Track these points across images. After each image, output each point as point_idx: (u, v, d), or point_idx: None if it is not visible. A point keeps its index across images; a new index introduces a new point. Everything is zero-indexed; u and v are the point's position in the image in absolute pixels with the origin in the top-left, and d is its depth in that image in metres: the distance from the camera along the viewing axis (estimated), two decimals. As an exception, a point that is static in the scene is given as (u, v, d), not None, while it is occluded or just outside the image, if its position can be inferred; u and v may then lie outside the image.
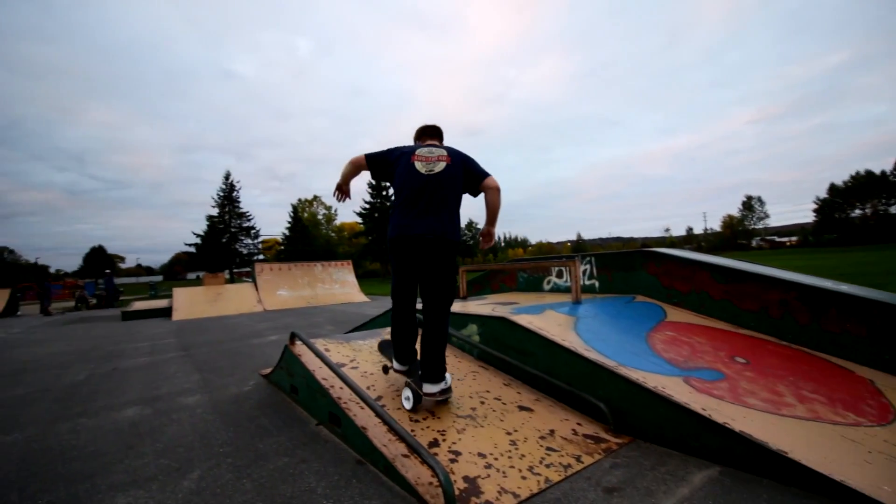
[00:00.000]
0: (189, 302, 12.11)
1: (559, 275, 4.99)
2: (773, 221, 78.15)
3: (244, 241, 43.78)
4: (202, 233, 41.30)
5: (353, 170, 2.82)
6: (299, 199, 53.72)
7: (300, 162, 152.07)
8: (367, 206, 45.25)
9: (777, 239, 79.29)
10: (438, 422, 2.36)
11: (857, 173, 61.42)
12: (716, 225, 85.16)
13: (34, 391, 4.06)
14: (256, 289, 13.56)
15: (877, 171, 59.14)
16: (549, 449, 2.16)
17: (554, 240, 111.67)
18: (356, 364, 3.07)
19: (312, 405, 2.89)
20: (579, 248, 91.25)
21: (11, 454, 2.55)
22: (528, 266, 5.26)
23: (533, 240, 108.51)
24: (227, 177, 43.53)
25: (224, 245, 41.65)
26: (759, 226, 78.23)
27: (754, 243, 74.98)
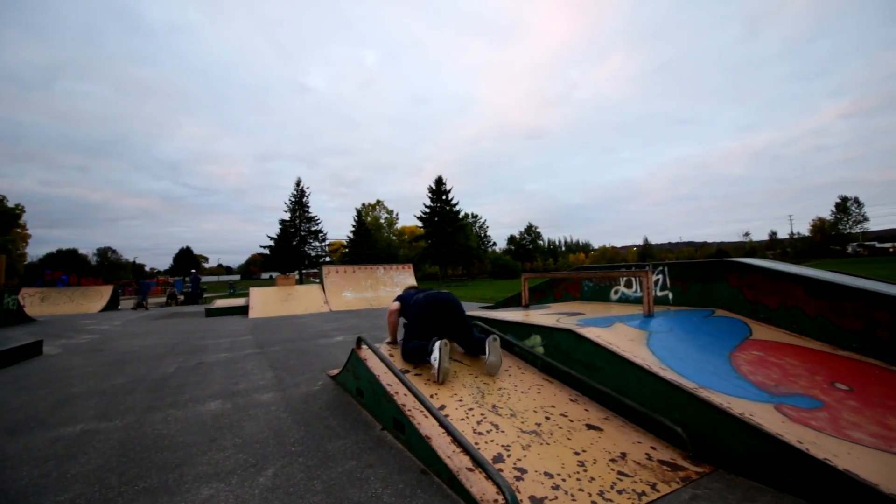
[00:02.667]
0: (263, 301, 12.97)
1: (628, 284, 4.73)
2: (873, 225, 68.99)
3: (312, 244, 46.30)
4: (275, 236, 44.22)
5: (396, 317, 3.81)
6: (363, 204, 55.89)
7: (365, 168, 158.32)
8: (427, 210, 46.05)
9: (878, 245, 69.94)
10: (503, 436, 2.31)
11: None
12: (803, 229, 76.94)
13: (132, 380, 4.53)
14: (323, 290, 14.23)
15: None
16: (620, 473, 2.03)
17: (619, 244, 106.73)
18: (419, 371, 3.10)
19: (377, 409, 2.95)
20: (646, 253, 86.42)
21: (113, 439, 2.84)
22: (595, 275, 5.05)
23: (596, 244, 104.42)
24: (297, 183, 46.35)
25: (294, 248, 44.29)
26: (857, 230, 69.56)
27: (850, 249, 66.64)
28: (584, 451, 2.21)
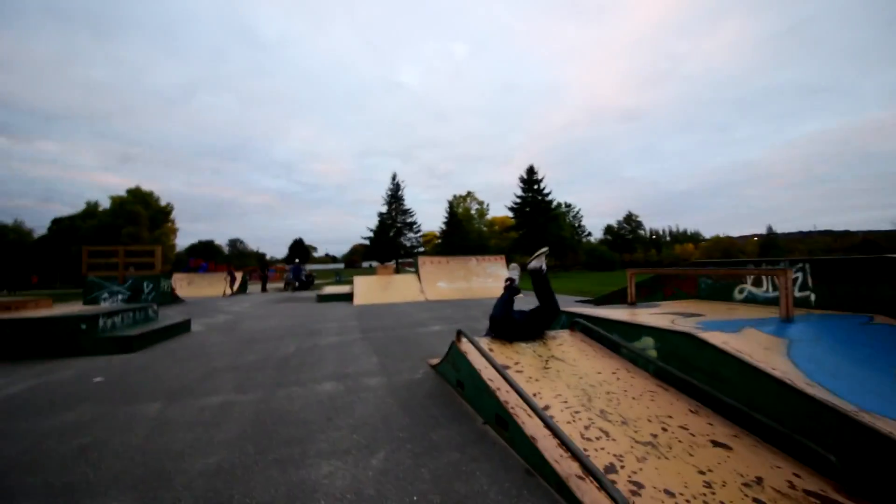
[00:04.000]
0: (366, 289, 13.87)
1: (757, 282, 4.16)
2: None
3: (407, 235, 48.37)
4: (374, 227, 47.02)
5: None
6: (454, 196, 56.77)
7: (456, 160, 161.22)
8: (519, 200, 45.30)
9: None
10: (614, 444, 2.18)
11: None
12: None
13: (261, 358, 5.13)
14: (419, 280, 14.79)
15: None
16: (756, 501, 1.79)
17: (735, 233, 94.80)
18: (521, 368, 3.06)
19: (478, 403, 2.97)
20: (770, 243, 75.57)
21: (248, 411, 3.24)
22: (715, 272, 4.52)
23: (707, 233, 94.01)
24: (393, 177, 48.69)
25: (391, 239, 46.69)
26: None
27: None
28: (710, 470, 1.99)
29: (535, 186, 44.42)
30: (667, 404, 2.63)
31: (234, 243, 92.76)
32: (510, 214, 47.32)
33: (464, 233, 49.77)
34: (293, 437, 2.71)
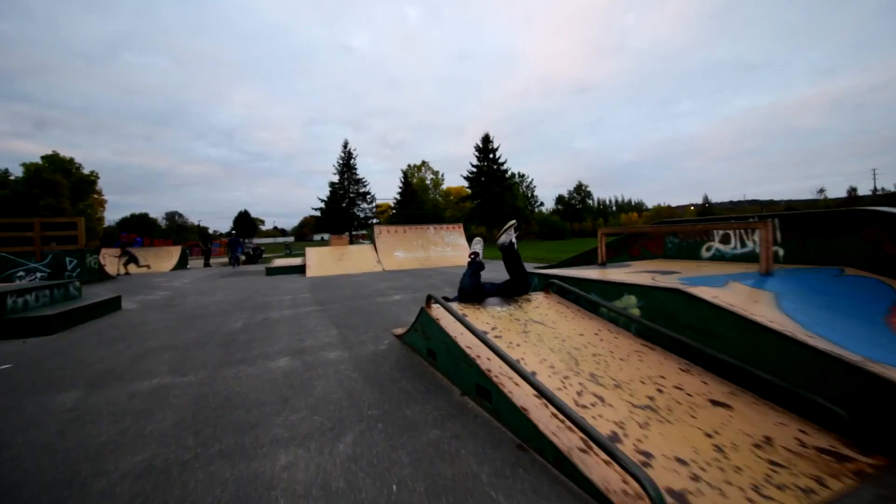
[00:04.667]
0: (319, 260, 13.21)
1: (724, 240, 4.13)
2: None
3: (361, 206, 47.02)
4: (325, 198, 45.23)
5: None
6: (409, 165, 55.60)
7: (409, 130, 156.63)
8: (474, 169, 45.01)
9: None
10: (611, 410, 1.98)
11: None
12: (889, 184, 68.52)
13: (203, 335, 4.59)
14: (375, 250, 14.29)
15: None
16: (773, 464, 1.65)
17: (674, 203, 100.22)
18: (499, 333, 2.80)
19: (455, 374, 2.70)
20: (706, 211, 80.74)
21: (187, 395, 2.79)
22: (683, 229, 4.46)
23: (650, 203, 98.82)
24: (345, 145, 46.77)
25: (344, 209, 45.21)
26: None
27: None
28: (716, 433, 1.83)
29: (491, 156, 44.19)
30: (656, 364, 2.47)
31: (171, 217, 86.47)
32: (465, 184, 47.06)
33: (419, 203, 49.09)
34: (243, 423, 2.32)
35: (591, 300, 3.16)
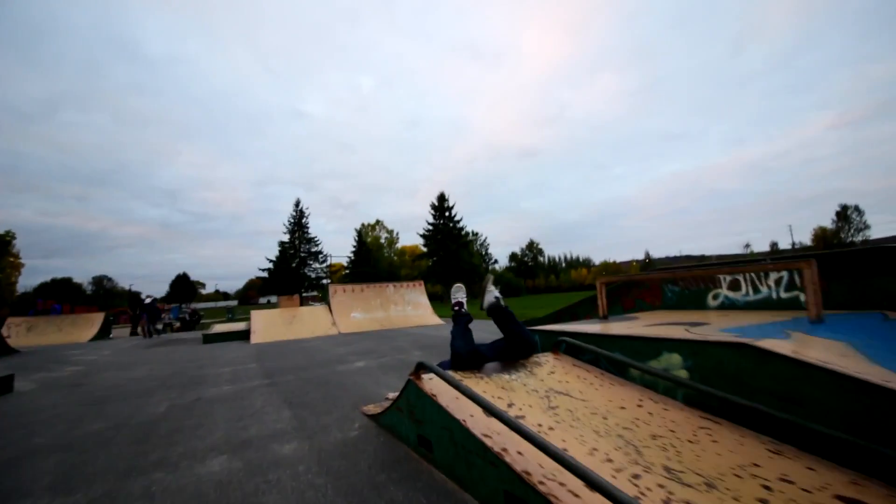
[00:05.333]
0: (266, 325, 11.91)
1: (733, 286, 3.77)
2: (875, 233, 68.68)
3: (312, 266, 45.25)
4: (274, 258, 43.24)
5: None
6: (363, 224, 55.00)
7: (362, 190, 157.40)
8: (430, 227, 45.17)
9: (886, 252, 69.12)
10: (731, 533, 1.32)
11: None
12: (805, 238, 76.53)
13: (111, 426, 3.50)
14: (330, 311, 13.19)
15: None
16: None
17: (618, 259, 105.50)
18: (520, 411, 2.12)
19: (466, 474, 1.95)
20: (648, 266, 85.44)
21: (66, 533, 1.83)
22: (688, 275, 4.09)
23: (596, 259, 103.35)
24: (297, 204, 45.66)
25: (294, 269, 43.26)
26: (858, 237, 69.19)
27: (857, 258, 65.88)
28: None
29: (447, 213, 44.65)
30: (736, 445, 1.87)
31: (99, 281, 79.07)
32: (421, 242, 46.92)
33: (374, 261, 48.07)
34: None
35: (618, 361, 2.57)
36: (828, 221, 72.69)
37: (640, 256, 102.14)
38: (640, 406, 2.23)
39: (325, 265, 45.85)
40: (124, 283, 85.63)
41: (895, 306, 2.86)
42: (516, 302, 33.77)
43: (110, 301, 62.62)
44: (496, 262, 67.51)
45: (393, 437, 2.74)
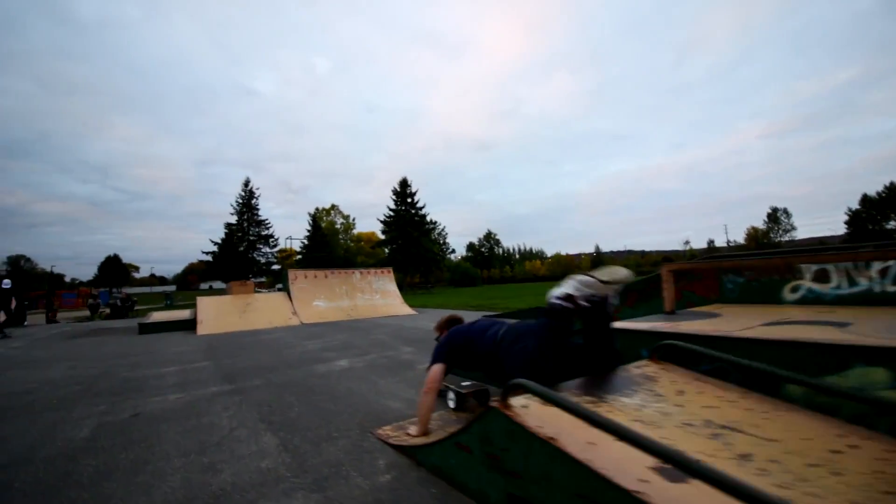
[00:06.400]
0: (216, 313, 10.48)
1: (820, 277, 3.19)
2: (799, 234, 75.24)
3: (262, 250, 42.51)
4: (219, 241, 40.15)
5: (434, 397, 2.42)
6: (317, 208, 52.31)
7: (314, 175, 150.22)
8: (392, 213, 43.62)
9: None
10: None
11: (892, 184, 58.66)
12: (738, 237, 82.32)
13: (3, 465, 2.37)
14: (290, 298, 11.91)
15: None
16: None
17: (569, 252, 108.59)
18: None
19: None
20: (598, 260, 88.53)
21: None
22: (758, 263, 3.47)
23: (548, 252, 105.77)
24: (246, 183, 42.58)
25: (242, 253, 40.41)
26: (786, 238, 75.49)
27: (782, 256, 71.96)
28: None
29: (409, 200, 43.22)
30: None
31: (15, 262, 70.53)
32: (380, 228, 45.21)
33: (330, 248, 45.90)
34: None
35: (777, 374, 1.83)
36: (759, 222, 78.51)
37: (590, 250, 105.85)
38: (839, 436, 1.50)
39: (276, 249, 43.21)
40: (45, 264, 77.22)
41: None
42: (475, 292, 33.31)
43: (28, 284, 55.99)
44: (454, 251, 67.10)
45: (451, 486, 1.87)
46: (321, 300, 12.24)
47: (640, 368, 2.16)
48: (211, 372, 4.82)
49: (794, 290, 3.32)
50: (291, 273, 12.70)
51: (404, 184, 43.46)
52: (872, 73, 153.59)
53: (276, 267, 44.63)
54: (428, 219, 44.08)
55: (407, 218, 42.22)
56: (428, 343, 6.36)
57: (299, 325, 10.31)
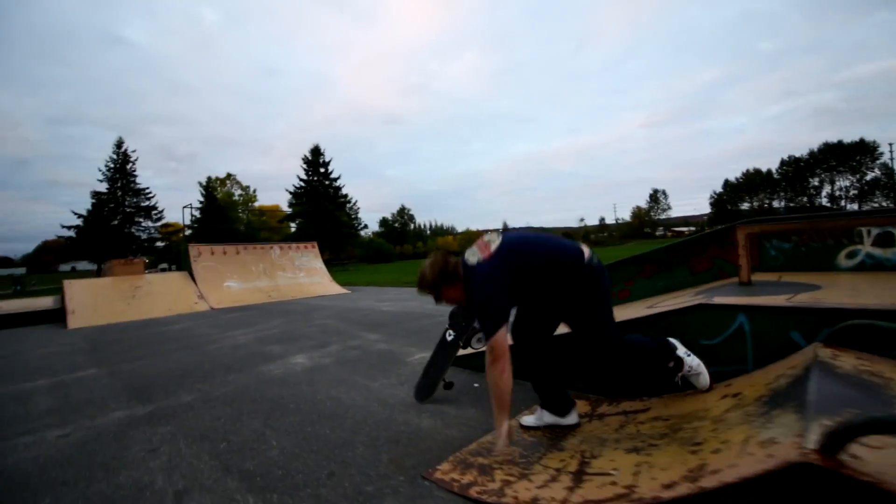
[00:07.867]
0: (94, 300, 8.27)
1: (883, 241, 2.91)
2: (673, 213, 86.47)
3: (142, 224, 36.49)
4: (85, 213, 33.55)
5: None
6: (210, 178, 46.19)
7: (203, 142, 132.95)
8: (303, 184, 39.90)
9: (676, 229, 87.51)
10: None
11: (748, 171, 69.22)
12: (625, 215, 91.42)
13: None
14: (193, 279, 9.92)
15: (757, 170, 67.54)
16: None
17: (478, 228, 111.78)
18: None
19: None
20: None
21: None
22: (806, 226, 3.12)
23: (459, 228, 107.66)
24: (118, 145, 35.71)
25: (117, 228, 34.29)
26: (663, 216, 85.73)
27: (659, 232, 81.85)
28: None
29: (323, 170, 39.70)
30: None
31: None
32: (287, 201, 41.23)
33: (228, 222, 40.96)
34: None
35: None
36: (642, 202, 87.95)
37: (497, 226, 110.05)
38: None
39: (160, 224, 37.24)
40: None
41: None
42: (394, 267, 32.28)
43: None
44: (366, 226, 64.77)
45: None
46: (234, 280, 10.40)
47: (837, 359, 1.54)
48: (106, 385, 3.39)
49: (851, 255, 3.02)
50: (193, 248, 10.58)
51: (317, 152, 39.92)
52: (730, 75, 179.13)
53: (160, 244, 38.81)
54: (342, 192, 41.37)
55: (321, 190, 39.03)
56: (393, 327, 5.34)
57: (209, 310, 8.56)
